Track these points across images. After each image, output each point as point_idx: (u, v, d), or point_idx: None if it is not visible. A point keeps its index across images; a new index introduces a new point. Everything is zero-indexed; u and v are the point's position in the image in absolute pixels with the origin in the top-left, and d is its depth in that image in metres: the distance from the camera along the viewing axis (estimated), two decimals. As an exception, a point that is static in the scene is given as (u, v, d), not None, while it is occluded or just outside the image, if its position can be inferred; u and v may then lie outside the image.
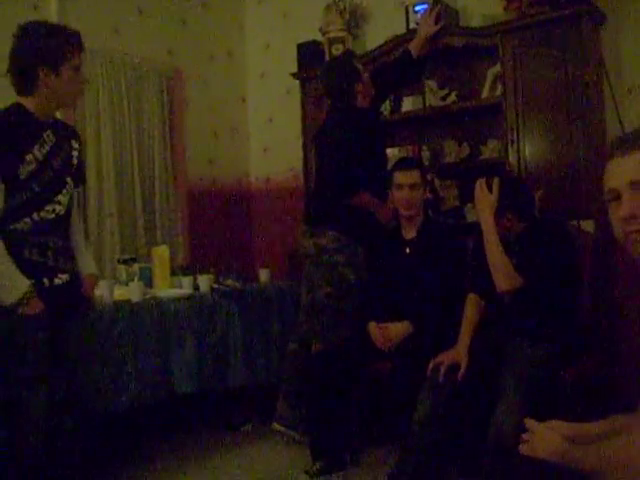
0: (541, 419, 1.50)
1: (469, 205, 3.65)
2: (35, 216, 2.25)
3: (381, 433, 3.25)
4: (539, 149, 3.37)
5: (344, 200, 3.12)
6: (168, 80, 4.48)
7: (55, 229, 2.32)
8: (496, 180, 2.60)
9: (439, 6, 3.58)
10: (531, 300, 2.56)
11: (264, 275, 3.92)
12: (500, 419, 2.24)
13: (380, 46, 3.96)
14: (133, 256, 3.74)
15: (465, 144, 3.87)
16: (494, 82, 3.67)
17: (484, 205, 2.59)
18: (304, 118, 4.35)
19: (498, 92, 3.58)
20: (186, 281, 3.43)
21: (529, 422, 1.48)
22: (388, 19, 4.21)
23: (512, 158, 3.42)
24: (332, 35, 4.23)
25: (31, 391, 2.21)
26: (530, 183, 3.22)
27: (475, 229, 2.74)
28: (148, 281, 3.43)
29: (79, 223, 2.57)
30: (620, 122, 3.37)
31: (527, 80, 3.38)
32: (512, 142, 3.42)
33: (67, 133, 2.43)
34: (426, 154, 3.99)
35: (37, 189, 2.24)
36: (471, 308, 2.71)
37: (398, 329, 2.89)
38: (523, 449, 1.47)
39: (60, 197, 2.32)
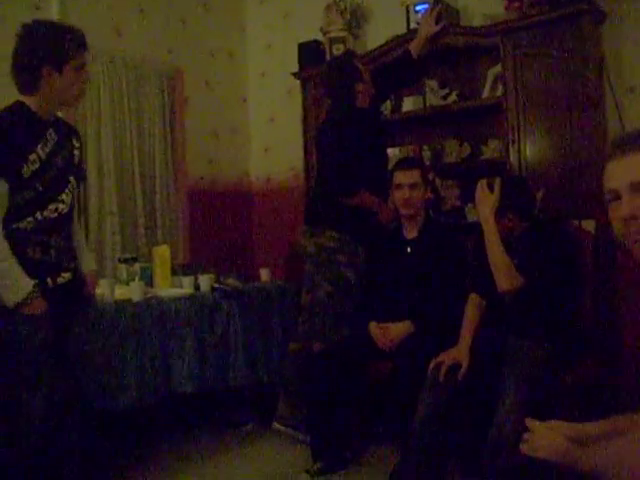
0: (542, 419, 1.50)
1: (470, 205, 3.65)
2: (38, 215, 2.25)
3: (382, 433, 3.25)
4: (540, 149, 3.37)
5: (344, 200, 3.13)
6: (169, 80, 4.48)
7: (58, 228, 2.33)
8: (497, 180, 2.60)
9: (440, 6, 3.58)
10: (532, 300, 2.56)
11: (265, 275, 3.92)
12: (501, 419, 2.24)
13: (381, 46, 3.96)
14: (134, 255, 3.74)
15: (466, 144, 3.87)
16: (495, 82, 3.67)
17: (485, 205, 2.59)
18: (305, 118, 4.35)
19: (499, 92, 3.58)
20: (187, 281, 3.43)
21: (530, 422, 1.48)
22: (389, 19, 4.21)
23: (513, 158, 3.42)
24: (333, 35, 4.23)
25: (32, 391, 2.21)
26: (531, 183, 3.21)
27: (476, 229, 2.74)
28: (149, 280, 3.44)
29: (78, 221, 2.58)
30: (621, 121, 3.37)
31: (528, 80, 3.38)
32: (513, 142, 3.42)
33: (68, 132, 2.44)
34: (427, 154, 3.99)
35: (40, 188, 2.24)
36: (472, 308, 2.71)
37: (399, 329, 2.89)
38: (524, 449, 1.47)
39: (63, 196, 2.33)
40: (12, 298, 2.17)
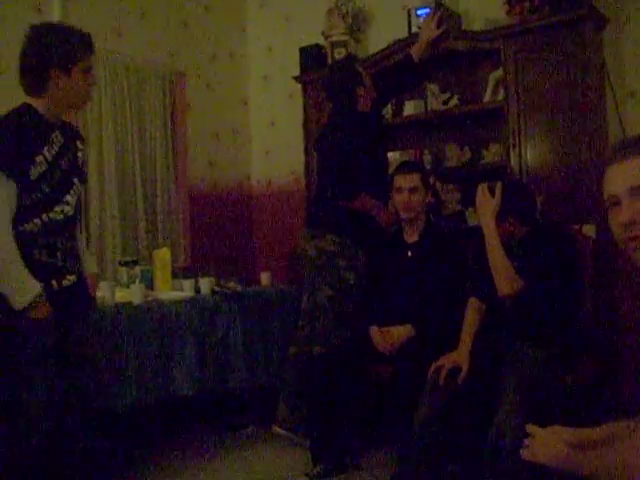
0: (542, 421, 1.50)
1: (470, 209, 3.66)
2: (44, 217, 2.26)
3: (382, 436, 3.24)
4: (541, 153, 3.37)
5: (345, 203, 3.13)
6: (170, 83, 4.49)
7: (63, 230, 2.34)
8: (498, 184, 2.60)
9: (441, 10, 3.59)
10: (532, 304, 2.56)
11: (265, 278, 3.92)
12: (501, 420, 2.24)
13: (382, 50, 3.97)
14: (134, 258, 3.74)
15: (467, 148, 3.87)
16: (496, 86, 3.67)
17: (486, 209, 2.59)
18: (306, 121, 4.35)
19: (500, 96, 3.59)
20: (187, 283, 3.43)
21: (530, 427, 1.48)
22: (390, 23, 4.22)
23: (514, 162, 3.43)
24: (334, 39, 4.24)
25: (32, 392, 2.21)
26: (532, 187, 3.22)
27: (477, 233, 2.74)
28: (149, 283, 3.44)
29: (78, 223, 2.58)
30: (621, 126, 3.37)
31: (529, 84, 3.39)
32: (514, 146, 3.43)
33: (72, 134, 2.44)
34: (428, 158, 3.99)
35: (47, 190, 2.25)
36: (472, 312, 2.71)
37: (400, 332, 2.89)
38: (524, 454, 1.47)
39: (68, 198, 2.33)
40: (19, 301, 2.17)
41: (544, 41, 3.33)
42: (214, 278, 3.59)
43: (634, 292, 3.23)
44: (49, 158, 2.25)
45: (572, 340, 2.59)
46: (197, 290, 3.45)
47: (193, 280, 3.48)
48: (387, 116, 4.03)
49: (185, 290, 3.41)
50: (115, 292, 3.16)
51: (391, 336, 2.89)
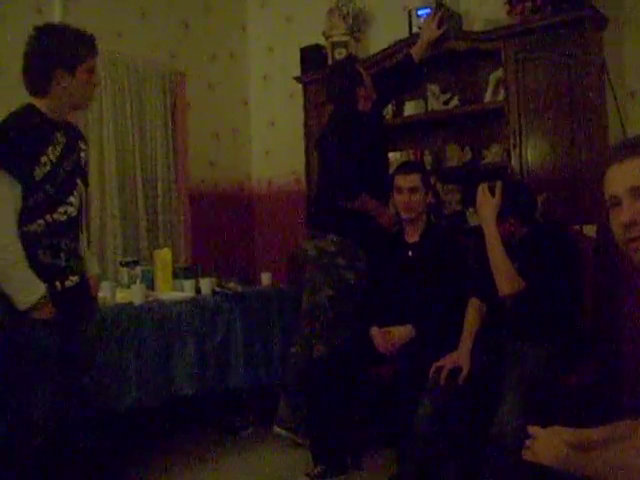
0: (542, 421, 1.50)
1: (471, 209, 3.65)
2: (48, 218, 2.26)
3: (382, 437, 3.24)
4: (541, 153, 3.37)
5: (346, 204, 3.13)
6: (171, 83, 4.48)
7: (67, 230, 2.34)
8: (499, 184, 2.60)
9: (442, 10, 3.59)
10: (533, 304, 2.56)
11: (266, 278, 3.92)
12: (502, 419, 2.24)
13: (383, 50, 3.97)
14: (135, 259, 3.74)
15: (467, 148, 3.87)
16: (496, 86, 3.67)
17: (486, 209, 2.59)
18: (306, 122, 4.35)
19: (500, 96, 3.58)
20: (188, 284, 3.43)
21: (532, 428, 1.48)
22: (391, 23, 4.21)
23: (514, 162, 3.43)
24: (335, 39, 4.23)
25: (34, 392, 2.21)
26: (533, 187, 3.21)
27: (477, 233, 2.74)
28: (150, 284, 3.44)
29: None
30: (622, 126, 3.37)
31: (529, 84, 3.38)
32: (514, 146, 3.42)
33: (75, 134, 2.45)
34: (428, 158, 3.99)
35: (51, 191, 2.25)
36: (473, 312, 2.71)
37: (400, 333, 2.89)
38: (525, 455, 1.47)
39: (72, 198, 2.34)
40: (23, 301, 2.17)
41: (545, 41, 3.32)
42: (215, 278, 3.59)
43: (635, 292, 3.23)
44: (53, 159, 2.26)
45: (572, 340, 2.60)
46: (198, 290, 3.45)
47: (194, 280, 3.48)
48: (387, 116, 4.03)
49: (186, 290, 3.41)
50: (116, 292, 3.17)
51: (391, 336, 2.89)
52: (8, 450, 2.23)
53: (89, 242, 3.67)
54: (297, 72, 4.41)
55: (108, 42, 4.03)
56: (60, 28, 2.33)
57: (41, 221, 2.24)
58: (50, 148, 2.26)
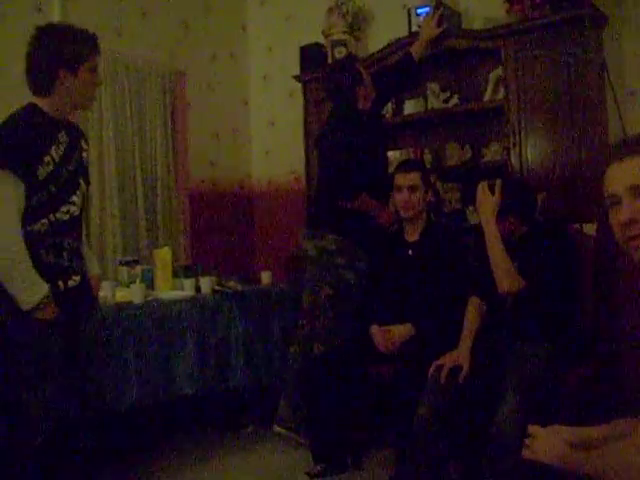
0: (542, 421, 1.50)
1: (471, 208, 3.65)
2: (52, 217, 2.26)
3: (382, 435, 3.24)
4: (541, 152, 3.37)
5: (345, 203, 3.13)
6: (170, 82, 4.48)
7: (70, 230, 2.34)
8: (498, 182, 2.59)
9: (441, 9, 3.59)
10: (533, 302, 2.56)
11: (266, 277, 3.92)
12: (501, 419, 2.24)
13: (382, 49, 3.97)
14: (135, 258, 3.74)
15: (467, 147, 3.87)
16: (496, 85, 3.67)
17: (486, 207, 2.59)
18: (306, 121, 4.35)
19: (500, 95, 3.58)
20: (188, 283, 3.43)
21: (532, 427, 1.48)
22: (390, 22, 4.21)
23: (514, 161, 3.43)
24: (335, 38, 4.23)
25: (35, 392, 2.22)
26: (532, 186, 3.21)
27: (477, 232, 2.74)
28: (150, 283, 3.44)
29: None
30: (622, 125, 3.37)
31: (529, 83, 3.38)
32: (514, 145, 3.42)
33: (77, 134, 2.45)
34: (428, 157, 3.99)
35: (54, 190, 2.25)
36: (473, 310, 2.71)
37: (400, 332, 2.89)
38: (525, 453, 1.47)
39: (74, 198, 2.34)
40: (26, 301, 2.17)
41: (544, 40, 3.32)
42: (215, 277, 3.59)
43: (635, 291, 3.23)
44: (56, 158, 2.26)
45: (573, 339, 2.60)
46: (198, 289, 3.45)
47: (194, 279, 3.48)
48: (387, 115, 4.03)
49: (186, 289, 3.41)
50: (116, 292, 3.16)
51: (391, 335, 2.89)
52: (8, 450, 2.23)
53: (88, 241, 3.67)
54: (297, 71, 4.41)
55: (108, 41, 4.03)
56: (62, 27, 2.33)
57: (44, 220, 2.25)
58: (53, 148, 2.26)
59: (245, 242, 5.03)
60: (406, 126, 4.11)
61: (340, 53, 4.15)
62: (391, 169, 3.33)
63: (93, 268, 2.57)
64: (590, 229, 3.02)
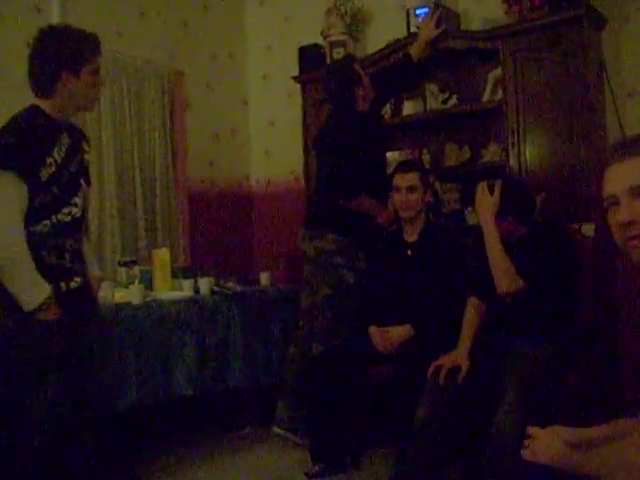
0: (542, 421, 1.50)
1: (470, 208, 3.66)
2: (54, 218, 2.27)
3: (381, 436, 3.25)
4: (540, 152, 3.38)
5: (344, 203, 3.13)
6: (169, 82, 4.48)
7: (71, 231, 2.35)
8: (498, 183, 2.60)
9: (440, 10, 3.59)
10: (532, 302, 2.56)
11: (265, 278, 3.92)
12: (501, 420, 2.25)
13: (381, 49, 3.97)
14: (134, 258, 3.74)
15: (466, 147, 3.87)
16: (495, 85, 3.67)
17: (485, 208, 2.59)
18: (305, 121, 4.35)
19: (499, 95, 3.59)
20: (187, 283, 3.43)
21: (531, 428, 1.48)
22: (389, 23, 4.21)
23: (513, 161, 3.43)
24: (333, 38, 4.23)
25: (36, 393, 2.22)
26: (531, 186, 3.22)
27: (476, 232, 2.75)
28: (149, 283, 3.44)
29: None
30: (621, 125, 3.37)
31: (528, 83, 3.39)
32: (513, 145, 3.43)
33: (78, 135, 2.45)
34: (427, 157, 3.99)
35: (56, 191, 2.25)
36: (472, 311, 2.71)
37: (399, 332, 2.89)
38: (524, 454, 1.47)
39: (76, 199, 2.35)
40: (28, 302, 2.17)
41: (543, 40, 3.33)
42: (213, 278, 3.59)
43: (633, 291, 3.23)
44: (58, 160, 2.26)
45: (572, 339, 2.60)
46: (196, 290, 3.45)
47: (192, 280, 3.47)
48: (386, 116, 4.03)
49: (184, 290, 3.41)
50: (114, 292, 3.16)
51: (390, 336, 2.89)
52: (9, 451, 2.23)
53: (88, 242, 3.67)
54: (296, 71, 4.41)
55: (107, 41, 3.97)
56: (64, 29, 2.33)
57: (47, 222, 2.25)
58: (55, 149, 2.26)
59: (244, 242, 5.03)
60: (405, 127, 4.11)
61: (339, 54, 4.15)
62: (390, 170, 3.33)
63: (94, 270, 2.58)
64: (589, 229, 3.02)
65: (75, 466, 2.39)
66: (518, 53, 3.40)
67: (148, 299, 3.20)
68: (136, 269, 3.53)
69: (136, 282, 3.28)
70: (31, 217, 2.21)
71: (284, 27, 4.90)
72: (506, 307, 2.64)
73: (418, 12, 3.79)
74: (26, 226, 2.20)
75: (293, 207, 4.71)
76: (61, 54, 2.23)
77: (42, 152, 2.22)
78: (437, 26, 3.57)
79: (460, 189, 3.84)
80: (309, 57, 4.33)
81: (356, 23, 4.31)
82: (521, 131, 3.41)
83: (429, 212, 3.21)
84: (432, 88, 3.95)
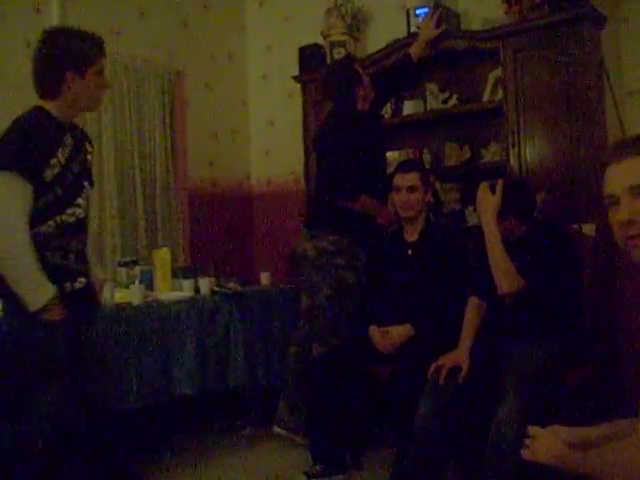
0: (542, 421, 1.50)
1: (470, 208, 3.66)
2: (58, 219, 2.27)
3: (382, 436, 3.25)
4: (540, 152, 3.37)
5: (344, 203, 3.13)
6: (169, 82, 4.48)
7: (75, 232, 2.35)
8: (500, 182, 2.59)
9: (440, 10, 3.59)
10: (532, 302, 2.56)
11: (265, 278, 3.92)
12: (501, 420, 2.25)
13: (381, 50, 3.97)
14: (134, 258, 3.74)
15: (466, 147, 3.87)
16: (495, 85, 3.67)
17: (486, 207, 2.59)
18: (305, 121, 4.35)
19: (499, 95, 3.59)
20: (187, 284, 3.43)
21: (531, 428, 1.48)
22: (389, 23, 4.22)
23: (513, 161, 3.43)
24: (333, 38, 4.23)
25: (39, 393, 2.22)
26: (531, 186, 3.22)
27: (476, 232, 2.74)
28: (149, 284, 3.44)
29: None
30: (621, 125, 3.37)
31: (528, 83, 3.39)
32: (513, 145, 3.43)
33: (82, 136, 2.46)
34: (427, 157, 3.99)
35: (60, 192, 2.26)
36: (472, 311, 2.71)
37: (399, 332, 2.89)
38: (524, 454, 1.47)
39: (80, 200, 2.35)
40: (33, 302, 2.17)
41: (543, 40, 3.33)
42: (214, 278, 3.59)
43: (634, 291, 3.23)
44: (62, 160, 2.27)
45: (572, 339, 2.60)
46: (197, 290, 3.45)
47: (193, 280, 3.47)
48: (386, 115, 4.03)
49: (185, 290, 3.41)
50: (115, 293, 3.16)
51: (390, 336, 2.89)
52: (12, 450, 2.23)
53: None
54: (296, 71, 4.41)
55: (106, 41, 4.01)
56: (68, 30, 2.34)
57: (51, 222, 2.25)
58: (59, 150, 2.27)
59: (244, 242, 5.03)
60: (405, 127, 4.11)
61: (339, 54, 4.15)
62: (390, 170, 3.33)
63: (97, 271, 2.58)
64: (589, 229, 3.02)
65: (75, 466, 2.39)
66: (518, 53, 3.40)
67: (148, 299, 3.20)
68: (136, 269, 3.53)
69: (136, 282, 3.28)
70: (36, 218, 2.22)
71: (284, 27, 4.90)
72: (506, 307, 2.64)
73: (418, 12, 3.79)
74: (31, 227, 2.21)
75: (293, 207, 4.71)
76: (66, 55, 2.24)
77: (46, 153, 2.23)
78: (437, 26, 3.57)
79: (460, 189, 3.84)
80: (309, 57, 4.33)
81: (356, 23, 4.31)
82: (521, 131, 3.41)
83: (429, 212, 3.20)
84: (432, 88, 3.95)
